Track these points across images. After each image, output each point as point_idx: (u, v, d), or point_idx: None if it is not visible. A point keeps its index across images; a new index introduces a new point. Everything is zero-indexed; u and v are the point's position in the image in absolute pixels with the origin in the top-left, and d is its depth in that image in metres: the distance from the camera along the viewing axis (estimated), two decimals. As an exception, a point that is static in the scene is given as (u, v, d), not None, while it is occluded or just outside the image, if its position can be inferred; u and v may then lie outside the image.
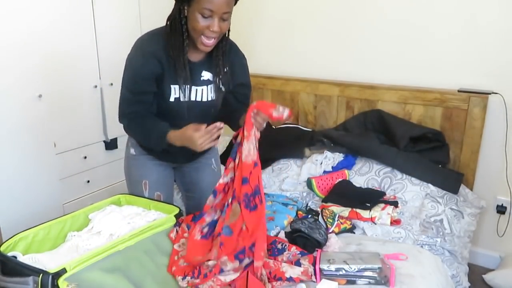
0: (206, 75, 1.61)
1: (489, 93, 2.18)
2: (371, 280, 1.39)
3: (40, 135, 2.29)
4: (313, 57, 2.76)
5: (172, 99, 1.58)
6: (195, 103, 1.61)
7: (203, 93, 1.62)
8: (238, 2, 1.49)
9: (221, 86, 1.63)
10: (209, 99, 1.64)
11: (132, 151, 1.78)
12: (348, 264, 1.39)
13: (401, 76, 2.47)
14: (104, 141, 2.75)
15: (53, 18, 2.31)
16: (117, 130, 2.77)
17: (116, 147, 2.80)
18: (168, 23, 1.53)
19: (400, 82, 2.46)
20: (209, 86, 1.62)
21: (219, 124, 1.44)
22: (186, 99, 1.59)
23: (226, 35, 1.56)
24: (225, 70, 1.61)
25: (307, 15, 2.72)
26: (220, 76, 1.61)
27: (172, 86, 1.56)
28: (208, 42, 1.47)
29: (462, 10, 2.24)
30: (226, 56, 1.60)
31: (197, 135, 1.44)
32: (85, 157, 2.63)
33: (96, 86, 2.61)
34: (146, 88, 1.57)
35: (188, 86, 1.57)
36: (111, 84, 2.67)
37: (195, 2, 1.40)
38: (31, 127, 2.24)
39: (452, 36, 2.29)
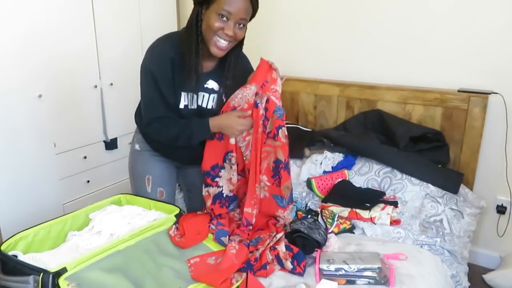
0: (211, 84, 1.63)
1: (489, 93, 2.18)
2: (370, 280, 1.39)
3: (40, 135, 2.30)
4: (313, 57, 2.76)
5: (181, 106, 1.59)
6: (201, 110, 1.63)
7: (204, 100, 1.63)
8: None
9: (223, 98, 1.65)
10: (209, 107, 1.64)
11: (137, 146, 1.79)
12: (347, 264, 1.40)
13: (401, 76, 2.47)
14: (104, 141, 2.75)
15: (53, 18, 2.31)
16: (117, 130, 2.78)
17: (116, 147, 2.81)
18: (187, 26, 1.54)
19: (400, 82, 2.47)
20: (211, 95, 1.63)
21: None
22: (194, 106, 1.60)
23: (240, 45, 1.58)
24: (231, 82, 1.62)
25: (307, 16, 2.72)
26: (226, 88, 1.63)
27: (182, 93, 1.57)
28: (222, 44, 1.47)
29: (462, 10, 2.24)
30: (236, 68, 1.61)
31: (241, 121, 1.57)
32: (85, 157, 2.63)
33: (96, 86, 2.61)
34: (167, 90, 1.55)
35: (194, 93, 1.59)
36: (111, 84, 2.68)
37: (215, 3, 1.43)
38: (31, 127, 2.24)
39: (452, 36, 2.29)
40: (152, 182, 1.77)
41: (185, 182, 1.93)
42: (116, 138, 2.79)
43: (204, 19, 1.47)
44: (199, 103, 1.63)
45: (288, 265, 1.46)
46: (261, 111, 1.58)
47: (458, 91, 2.26)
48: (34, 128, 2.26)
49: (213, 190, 1.72)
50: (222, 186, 1.70)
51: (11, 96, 2.13)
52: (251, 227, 1.62)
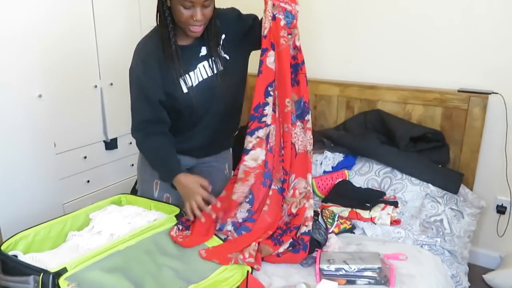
0: (203, 50, 1.62)
1: (489, 93, 2.18)
2: (371, 280, 1.39)
3: (40, 135, 2.29)
4: (313, 57, 2.76)
5: (185, 90, 1.58)
6: (208, 83, 1.61)
7: (207, 69, 1.61)
8: None
9: (223, 55, 1.63)
10: (216, 72, 1.62)
11: None
12: (348, 264, 1.39)
13: (401, 76, 2.47)
14: (104, 141, 2.75)
15: (53, 18, 2.31)
16: (117, 130, 2.77)
17: (116, 147, 2.81)
18: (157, 18, 1.56)
19: (400, 82, 2.47)
20: (210, 59, 1.62)
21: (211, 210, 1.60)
22: (196, 83, 1.60)
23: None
24: (222, 40, 1.62)
25: (307, 15, 2.72)
26: (218, 49, 1.62)
27: (181, 80, 1.58)
28: (196, 28, 1.49)
29: (462, 10, 2.24)
30: (217, 27, 1.60)
31: (198, 196, 1.57)
32: (85, 157, 2.63)
33: (96, 86, 2.61)
34: (154, 94, 1.57)
35: (188, 73, 1.59)
36: (111, 84, 2.68)
37: None
38: (31, 127, 2.24)
39: (452, 36, 2.29)
40: (160, 187, 1.77)
41: None
42: (116, 138, 2.79)
43: (172, 11, 1.48)
44: (204, 76, 1.61)
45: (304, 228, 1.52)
46: (282, 22, 1.53)
47: (458, 91, 2.26)
48: (34, 128, 2.26)
49: (263, 132, 1.61)
50: (270, 124, 1.63)
51: (11, 95, 2.13)
52: (283, 151, 1.62)
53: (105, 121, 2.70)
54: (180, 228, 1.56)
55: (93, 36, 2.53)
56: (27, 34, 2.16)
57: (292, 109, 1.59)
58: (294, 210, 1.62)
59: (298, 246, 1.50)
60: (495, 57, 2.20)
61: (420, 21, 2.36)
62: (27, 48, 2.17)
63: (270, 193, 1.63)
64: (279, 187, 1.65)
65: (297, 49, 1.59)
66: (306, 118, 1.63)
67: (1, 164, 2.14)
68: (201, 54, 1.61)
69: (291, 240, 1.53)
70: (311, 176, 1.65)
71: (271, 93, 1.59)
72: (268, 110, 1.60)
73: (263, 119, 1.60)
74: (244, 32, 1.64)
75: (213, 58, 1.61)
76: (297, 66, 1.59)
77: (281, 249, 1.51)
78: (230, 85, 1.66)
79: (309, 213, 1.59)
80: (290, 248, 1.51)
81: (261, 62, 1.57)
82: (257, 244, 1.50)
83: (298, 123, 1.63)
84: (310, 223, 1.56)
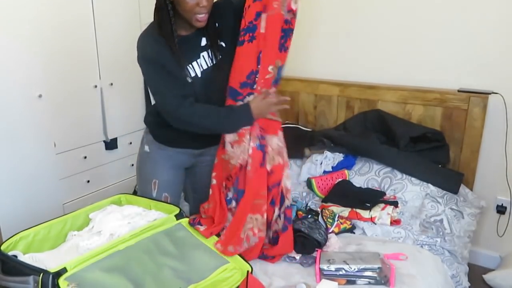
0: (203, 41, 1.63)
1: (489, 93, 2.18)
2: (371, 280, 1.39)
3: (40, 135, 2.29)
4: (313, 57, 2.76)
5: (190, 80, 1.59)
6: (206, 73, 1.62)
7: (207, 60, 1.62)
8: None
9: (220, 42, 1.64)
10: (215, 62, 1.63)
11: (147, 148, 1.78)
12: (348, 264, 1.40)
13: (401, 76, 2.47)
14: (104, 141, 2.75)
15: (53, 18, 2.31)
16: (117, 130, 2.78)
17: (116, 147, 2.81)
18: (155, 10, 1.56)
19: (400, 82, 2.46)
20: (210, 49, 1.63)
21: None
22: (197, 74, 1.60)
23: None
24: (217, 27, 1.62)
25: (307, 15, 2.72)
26: (216, 36, 1.62)
27: (184, 70, 1.58)
28: (202, 17, 1.50)
29: (462, 10, 2.24)
30: (212, 17, 1.60)
31: (270, 100, 1.57)
32: (85, 157, 2.63)
33: (96, 86, 2.61)
34: (175, 68, 1.55)
35: (191, 63, 1.59)
36: (111, 84, 2.68)
37: None
38: (31, 127, 2.24)
39: (452, 36, 2.29)
40: (159, 186, 1.77)
41: (192, 181, 1.91)
42: (116, 138, 2.79)
43: (177, 3, 1.48)
44: (204, 67, 1.62)
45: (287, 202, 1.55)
46: None
47: (458, 91, 2.26)
48: (34, 128, 2.26)
49: (253, 97, 1.61)
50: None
51: (12, 96, 2.13)
52: None
53: (105, 121, 2.70)
54: (199, 228, 1.58)
55: (93, 36, 2.53)
56: (27, 34, 2.15)
57: (274, 75, 1.56)
58: (268, 167, 1.58)
59: (285, 222, 1.52)
60: (495, 57, 2.20)
61: (420, 21, 2.36)
62: (27, 48, 2.17)
63: (250, 151, 1.58)
64: (257, 144, 1.59)
65: (292, 13, 1.51)
66: (279, 82, 1.61)
67: (1, 164, 2.14)
68: (202, 44, 1.62)
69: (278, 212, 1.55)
70: (281, 133, 1.63)
71: (261, 59, 1.56)
72: (258, 76, 1.58)
73: (255, 86, 1.60)
74: (234, 15, 1.62)
75: (212, 48, 1.62)
76: (289, 31, 1.53)
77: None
78: (229, 72, 1.66)
79: (288, 184, 1.59)
80: (278, 228, 1.54)
81: (255, 27, 1.51)
82: (264, 218, 1.51)
83: (273, 89, 1.61)
84: (290, 196, 1.60)
